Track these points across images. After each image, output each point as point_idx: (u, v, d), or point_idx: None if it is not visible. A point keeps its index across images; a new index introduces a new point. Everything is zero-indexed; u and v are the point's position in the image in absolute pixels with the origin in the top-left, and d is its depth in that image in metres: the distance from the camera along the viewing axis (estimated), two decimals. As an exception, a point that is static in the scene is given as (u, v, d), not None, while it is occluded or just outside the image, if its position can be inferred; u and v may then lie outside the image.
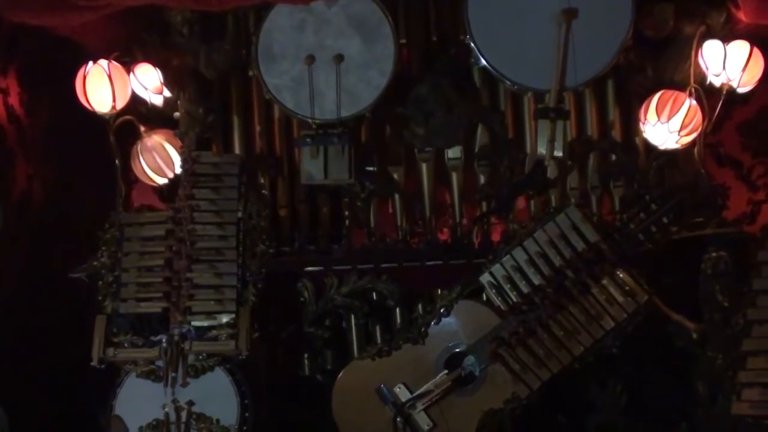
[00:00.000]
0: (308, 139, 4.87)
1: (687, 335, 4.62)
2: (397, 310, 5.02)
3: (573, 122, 5.04)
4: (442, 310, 4.67)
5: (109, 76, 4.86)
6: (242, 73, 5.13)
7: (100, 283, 4.69)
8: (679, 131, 4.86)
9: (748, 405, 4.28)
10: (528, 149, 5.07)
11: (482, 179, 5.13)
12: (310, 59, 4.81)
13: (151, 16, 5.09)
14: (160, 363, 4.55)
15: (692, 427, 4.69)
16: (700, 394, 4.57)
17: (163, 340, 4.55)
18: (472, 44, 4.79)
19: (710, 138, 5.20)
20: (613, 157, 5.12)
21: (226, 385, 4.54)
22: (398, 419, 4.59)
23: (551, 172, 5.07)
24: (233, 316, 4.59)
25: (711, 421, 4.47)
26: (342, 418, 4.72)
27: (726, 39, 4.87)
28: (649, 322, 4.60)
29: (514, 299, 4.60)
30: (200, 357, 4.55)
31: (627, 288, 4.55)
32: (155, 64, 5.03)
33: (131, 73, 4.98)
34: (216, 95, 5.18)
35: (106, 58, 4.91)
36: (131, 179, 5.22)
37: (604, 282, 4.56)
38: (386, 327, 5.04)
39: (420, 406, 4.59)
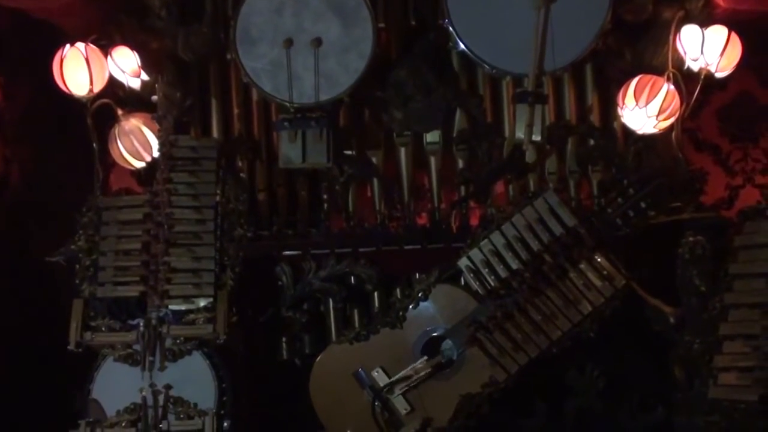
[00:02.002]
0: (286, 123, 4.86)
1: (664, 319, 4.64)
2: (375, 294, 5.02)
3: (551, 107, 5.05)
4: (420, 294, 4.67)
5: (87, 59, 4.82)
6: (220, 56, 5.10)
7: (78, 266, 4.68)
8: (657, 116, 4.87)
9: (725, 389, 4.30)
10: (506, 133, 5.07)
11: (461, 163, 5.13)
12: (289, 43, 4.79)
13: (128, -1, 5.07)
14: (137, 347, 4.54)
15: (669, 411, 4.70)
16: (677, 378, 4.59)
17: (141, 324, 4.54)
18: (451, 28, 4.79)
19: (688, 123, 5.23)
20: (592, 141, 5.12)
21: (204, 369, 4.54)
22: (376, 403, 4.60)
23: (530, 156, 5.08)
24: (211, 300, 4.59)
25: (688, 405, 4.49)
26: (320, 402, 4.73)
27: (704, 24, 4.88)
28: (627, 307, 4.62)
29: (492, 283, 4.61)
30: (178, 341, 4.54)
31: (604, 272, 4.56)
32: (133, 47, 4.99)
33: (109, 56, 4.94)
34: (194, 79, 5.15)
35: (83, 41, 4.87)
36: (109, 163, 5.19)
37: (582, 266, 4.58)
38: (364, 311, 5.04)
39: (398, 390, 4.60)
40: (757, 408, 4.16)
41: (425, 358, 4.59)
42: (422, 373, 4.57)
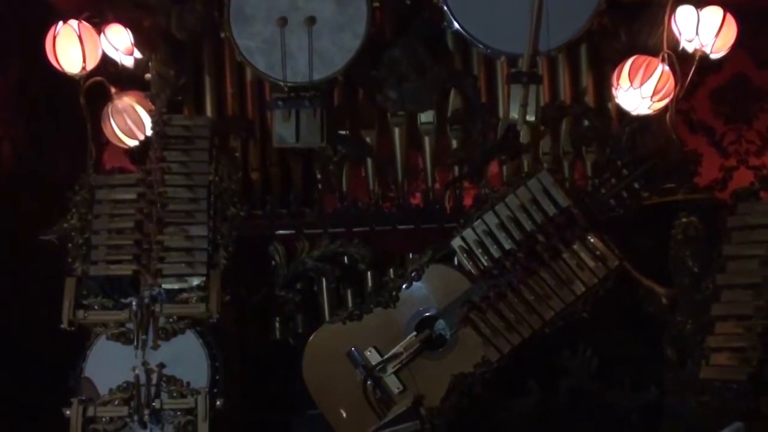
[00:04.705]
0: (280, 102, 4.83)
1: (657, 300, 4.64)
2: (369, 273, 5.02)
3: (546, 87, 5.04)
4: (413, 274, 4.67)
5: (80, 37, 4.79)
6: (214, 34, 5.06)
7: (70, 245, 4.65)
8: (652, 97, 4.86)
9: (716, 369, 4.30)
10: (501, 114, 5.06)
11: (455, 144, 5.12)
12: (283, 21, 4.77)
13: (122, -24, 5.05)
14: (130, 325, 4.52)
15: (661, 391, 4.72)
16: (670, 359, 4.59)
17: (134, 303, 4.52)
18: (445, 8, 4.77)
19: (683, 104, 5.24)
20: (586, 122, 5.12)
21: (197, 347, 4.53)
22: (368, 382, 4.60)
23: (524, 137, 5.06)
24: (204, 278, 4.58)
25: (680, 385, 4.50)
26: (313, 381, 4.73)
27: (699, 4, 4.86)
28: (620, 287, 4.62)
29: (485, 263, 4.60)
30: (171, 320, 4.52)
31: (598, 253, 4.56)
32: (126, 25, 4.96)
33: (102, 34, 4.92)
34: (188, 57, 5.13)
35: (76, 18, 4.84)
36: (102, 141, 5.18)
37: (575, 247, 4.57)
38: (357, 291, 5.03)
39: (390, 369, 4.59)
40: (748, 388, 4.17)
41: (414, 333, 4.59)
42: (412, 349, 4.57)
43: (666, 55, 4.88)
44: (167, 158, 4.70)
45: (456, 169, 5.12)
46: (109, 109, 5.00)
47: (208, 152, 4.73)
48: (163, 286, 4.57)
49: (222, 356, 4.53)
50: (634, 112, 4.95)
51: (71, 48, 4.81)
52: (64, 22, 4.82)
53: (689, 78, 4.92)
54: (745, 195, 4.54)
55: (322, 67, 4.80)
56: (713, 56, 4.91)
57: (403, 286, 4.68)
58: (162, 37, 5.06)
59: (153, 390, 4.45)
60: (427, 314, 4.64)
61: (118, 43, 4.95)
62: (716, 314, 4.37)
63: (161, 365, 4.48)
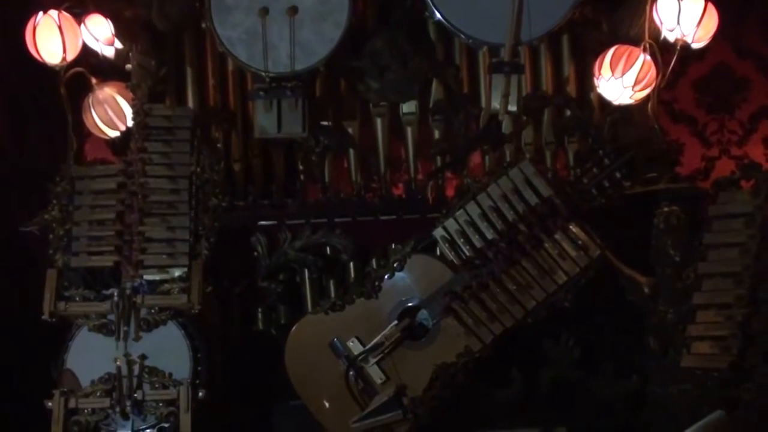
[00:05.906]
0: (261, 93, 4.83)
1: (639, 289, 4.65)
2: (351, 264, 5.01)
3: (528, 77, 5.03)
4: (395, 265, 4.66)
5: (60, 27, 4.77)
6: (195, 25, 5.05)
7: (51, 236, 4.65)
8: (633, 86, 4.87)
9: (698, 358, 4.31)
10: (483, 104, 5.06)
11: (437, 134, 5.12)
12: (264, 11, 4.76)
13: (102, -34, 5.03)
14: (111, 317, 4.52)
15: (643, 380, 4.73)
16: (651, 348, 4.60)
17: (115, 294, 4.52)
18: (427, -3, 4.78)
19: (665, 94, 5.24)
20: (568, 112, 5.13)
21: (179, 339, 4.52)
22: (351, 372, 4.60)
23: (506, 127, 5.07)
24: (185, 269, 4.57)
25: (662, 374, 4.50)
26: (295, 372, 4.72)
27: (680, -6, 4.88)
28: (602, 276, 4.62)
29: (468, 253, 4.60)
30: (152, 311, 4.52)
31: (579, 242, 4.56)
32: (107, 15, 4.94)
33: (82, 24, 4.90)
34: (169, 47, 5.11)
35: (56, 9, 4.82)
36: (83, 132, 5.16)
37: (557, 236, 4.57)
38: (340, 281, 5.03)
39: (372, 359, 4.59)
40: (729, 376, 4.19)
41: (395, 323, 4.59)
42: (393, 339, 4.57)
43: (647, 45, 4.88)
44: (148, 149, 4.68)
45: (438, 159, 5.12)
46: (90, 100, 4.98)
47: (190, 143, 4.72)
48: (145, 277, 4.57)
49: (204, 347, 4.53)
50: (616, 102, 4.96)
51: (51, 39, 4.78)
52: (44, 12, 4.80)
53: (671, 68, 4.92)
54: (726, 184, 4.54)
55: (304, 57, 4.79)
56: (695, 46, 4.92)
57: (386, 277, 4.67)
58: (143, 27, 5.04)
59: (135, 381, 4.45)
60: (410, 304, 4.63)
61: (99, 33, 4.93)
62: (697, 303, 4.38)
63: (143, 356, 4.48)
